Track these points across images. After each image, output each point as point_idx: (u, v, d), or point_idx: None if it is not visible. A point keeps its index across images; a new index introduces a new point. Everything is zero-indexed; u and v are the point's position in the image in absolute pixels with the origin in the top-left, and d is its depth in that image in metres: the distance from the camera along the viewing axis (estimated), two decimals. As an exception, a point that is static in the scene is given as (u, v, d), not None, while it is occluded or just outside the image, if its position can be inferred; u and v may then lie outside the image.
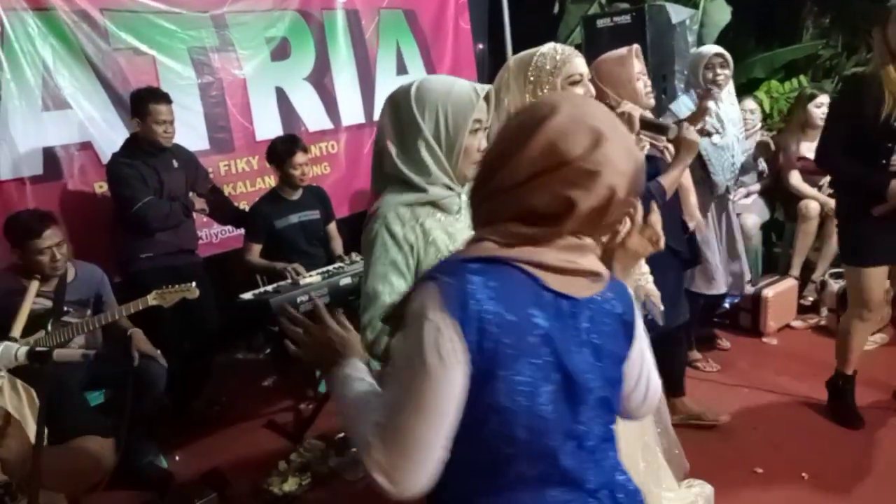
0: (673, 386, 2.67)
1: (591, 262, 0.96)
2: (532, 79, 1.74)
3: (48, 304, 2.60)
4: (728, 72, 3.04)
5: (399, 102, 1.40)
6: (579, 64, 1.76)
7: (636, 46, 2.21)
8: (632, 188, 0.92)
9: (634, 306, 1.04)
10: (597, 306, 0.96)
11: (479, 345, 0.86)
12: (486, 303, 0.86)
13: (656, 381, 1.11)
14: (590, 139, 0.88)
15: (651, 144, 2.16)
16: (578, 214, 0.89)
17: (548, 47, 1.77)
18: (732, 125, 3.06)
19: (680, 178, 2.11)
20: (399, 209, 1.37)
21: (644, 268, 1.88)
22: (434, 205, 1.40)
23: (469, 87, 1.39)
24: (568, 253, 0.92)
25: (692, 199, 2.45)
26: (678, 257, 2.42)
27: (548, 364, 0.90)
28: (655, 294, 1.88)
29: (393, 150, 1.39)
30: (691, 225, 2.42)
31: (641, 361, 1.07)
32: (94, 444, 1.83)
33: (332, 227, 3.56)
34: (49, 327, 2.53)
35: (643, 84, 2.20)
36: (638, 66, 2.19)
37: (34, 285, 2.50)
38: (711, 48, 3.09)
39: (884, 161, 2.38)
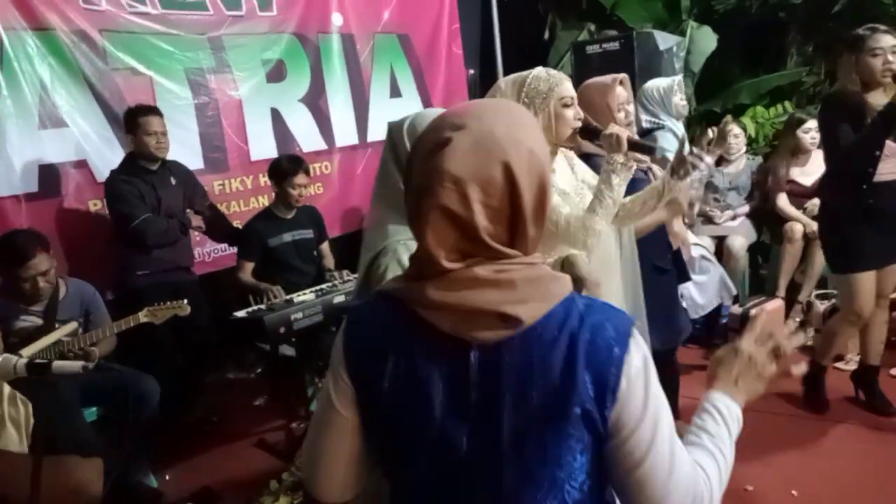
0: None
1: (492, 299, 0.80)
2: (526, 101, 1.79)
3: (39, 321, 2.60)
4: (685, 96, 3.25)
5: (393, 134, 1.44)
6: (569, 87, 1.82)
7: (622, 76, 2.25)
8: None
9: (628, 361, 0.81)
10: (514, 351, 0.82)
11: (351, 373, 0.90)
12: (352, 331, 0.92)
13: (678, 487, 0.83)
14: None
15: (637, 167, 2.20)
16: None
17: (539, 71, 1.82)
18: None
19: (652, 225, 2.20)
20: (408, 243, 1.36)
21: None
22: None
23: None
24: (451, 288, 0.81)
25: (675, 225, 2.49)
26: (667, 275, 2.47)
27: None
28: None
29: (399, 179, 1.38)
30: (675, 243, 2.46)
31: (636, 445, 0.82)
32: (84, 470, 1.82)
33: (325, 246, 3.59)
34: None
35: (624, 115, 2.25)
36: (623, 95, 2.24)
37: (69, 326, 2.51)
38: (674, 77, 3.26)
39: (870, 169, 2.51)
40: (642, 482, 0.82)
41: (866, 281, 2.63)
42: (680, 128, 3.24)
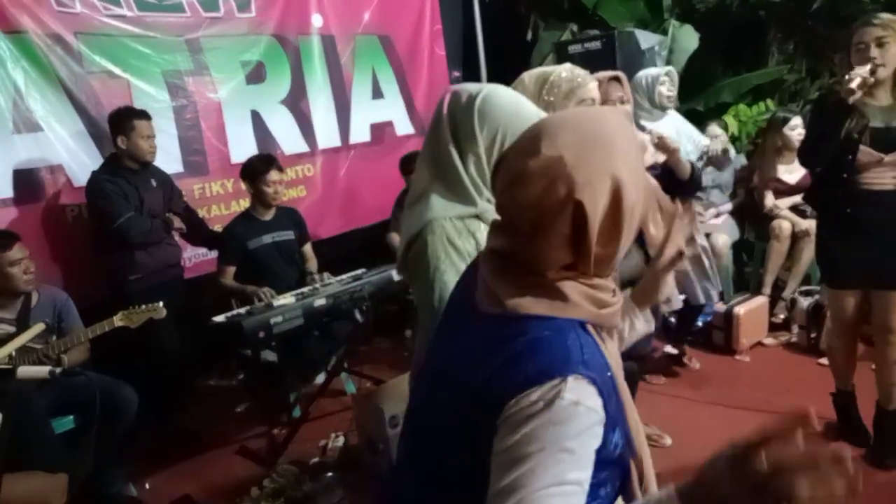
0: None
1: (500, 281, 0.85)
2: (546, 98, 1.77)
3: (11, 329, 2.55)
4: (675, 89, 3.21)
5: (460, 107, 1.35)
6: (592, 88, 1.81)
7: (619, 73, 2.26)
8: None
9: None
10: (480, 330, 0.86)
11: None
12: None
13: None
14: None
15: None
16: None
17: (565, 69, 1.81)
18: (683, 146, 3.18)
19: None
20: (453, 220, 1.33)
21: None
22: (479, 218, 1.36)
23: (535, 112, 1.35)
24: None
25: (652, 230, 2.46)
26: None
27: None
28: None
29: (454, 152, 1.34)
30: (652, 253, 2.44)
31: (497, 470, 0.77)
32: (44, 483, 1.78)
33: (308, 247, 3.56)
34: (13, 353, 2.47)
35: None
36: (617, 92, 2.24)
37: (37, 327, 2.47)
38: (662, 68, 3.24)
39: (845, 175, 2.35)
40: None
41: (843, 299, 2.45)
42: (664, 120, 3.22)
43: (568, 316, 0.81)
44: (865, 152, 2.30)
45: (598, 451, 0.78)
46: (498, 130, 1.31)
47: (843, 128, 2.29)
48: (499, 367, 0.79)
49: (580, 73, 1.81)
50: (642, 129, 3.12)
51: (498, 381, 0.78)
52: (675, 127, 3.22)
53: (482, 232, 1.33)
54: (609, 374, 0.82)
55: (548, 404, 0.75)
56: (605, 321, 0.85)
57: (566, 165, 0.77)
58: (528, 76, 1.82)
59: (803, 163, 2.58)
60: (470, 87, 1.38)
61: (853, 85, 2.17)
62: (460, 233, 1.32)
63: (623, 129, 0.83)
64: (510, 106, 1.33)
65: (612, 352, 0.87)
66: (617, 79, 2.25)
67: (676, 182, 2.42)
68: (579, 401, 0.75)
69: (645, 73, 3.22)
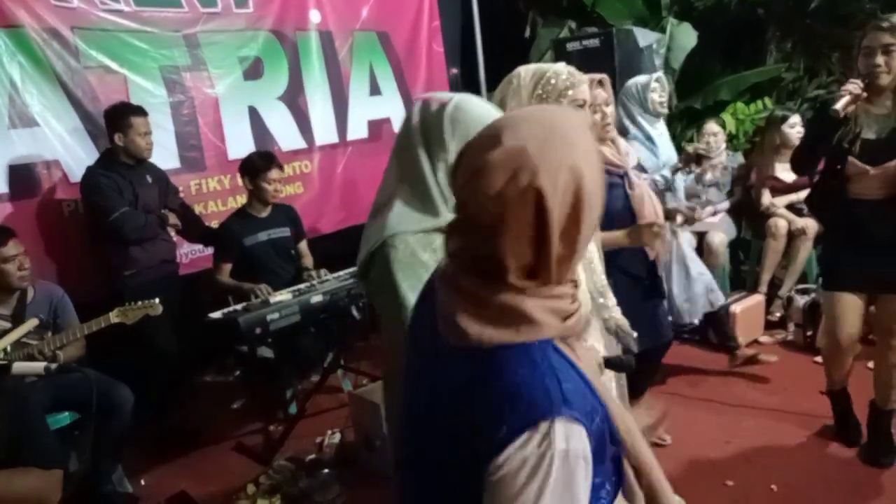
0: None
1: (460, 308, 0.82)
2: (541, 94, 1.77)
3: (6, 325, 2.54)
4: (667, 95, 3.23)
5: (430, 115, 1.34)
6: (585, 90, 1.81)
7: (602, 76, 2.24)
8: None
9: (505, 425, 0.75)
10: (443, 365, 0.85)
11: None
12: None
13: None
14: None
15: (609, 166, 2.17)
16: None
17: (561, 67, 1.81)
18: (670, 156, 3.23)
19: (615, 246, 2.18)
20: (417, 235, 1.31)
21: (611, 300, 1.90)
22: (443, 232, 1.36)
23: None
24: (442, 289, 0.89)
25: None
26: (640, 284, 2.46)
27: None
28: (625, 322, 1.90)
29: (423, 158, 1.32)
30: (651, 254, 2.44)
31: None
32: (39, 479, 1.78)
33: (303, 245, 3.55)
34: (7, 348, 2.47)
35: (601, 116, 2.23)
36: (601, 96, 2.22)
37: (31, 323, 2.45)
38: (651, 75, 3.25)
39: (836, 183, 2.35)
40: None
41: (840, 302, 2.41)
42: (658, 128, 3.24)
43: (536, 338, 0.79)
44: (853, 164, 2.29)
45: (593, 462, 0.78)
46: (469, 138, 1.30)
47: (831, 138, 2.29)
48: (480, 415, 0.76)
49: (576, 73, 1.82)
50: (625, 134, 3.12)
51: (482, 432, 0.75)
52: (667, 138, 3.26)
53: None
54: (587, 387, 0.81)
55: (539, 461, 0.73)
56: (571, 332, 0.83)
57: (529, 155, 0.77)
58: (525, 70, 1.82)
59: (794, 169, 2.59)
60: (440, 95, 1.38)
61: (838, 106, 2.16)
62: (424, 246, 1.30)
63: (583, 127, 0.84)
64: (481, 113, 1.32)
65: (583, 356, 0.85)
66: (601, 82, 2.25)
67: None
68: (569, 449, 0.74)
69: (634, 82, 3.23)
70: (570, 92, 1.78)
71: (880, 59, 2.18)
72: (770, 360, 3.38)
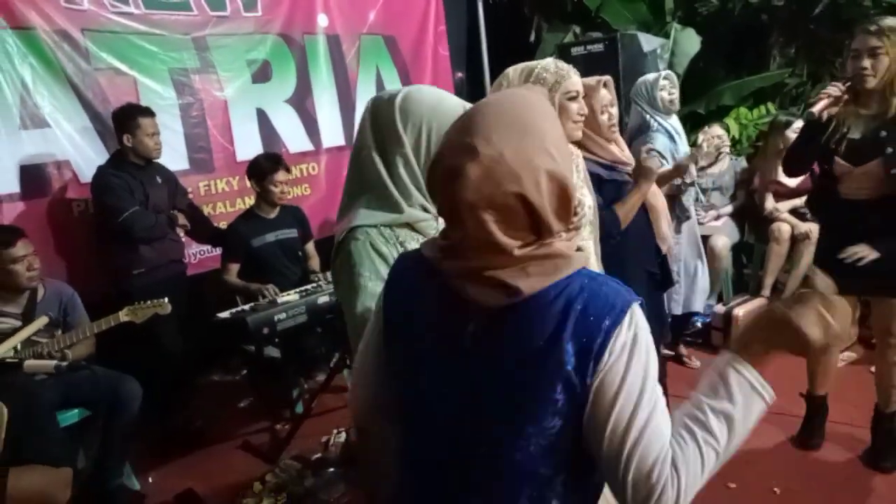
0: None
1: (499, 271, 0.86)
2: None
3: (17, 323, 2.57)
4: (677, 91, 3.24)
5: (381, 110, 1.30)
6: (576, 81, 1.83)
7: (606, 78, 2.26)
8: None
9: (618, 333, 0.84)
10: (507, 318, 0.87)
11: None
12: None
13: (650, 470, 0.83)
14: None
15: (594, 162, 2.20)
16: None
17: (548, 62, 1.82)
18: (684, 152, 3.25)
19: (637, 205, 2.17)
20: (380, 228, 1.27)
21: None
22: (410, 227, 1.29)
23: (458, 103, 1.30)
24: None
25: (664, 222, 2.49)
26: (653, 279, 2.48)
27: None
28: None
29: (378, 160, 1.28)
30: (664, 248, 2.47)
31: (609, 418, 0.83)
32: (48, 477, 1.80)
33: (310, 246, 3.58)
34: (18, 346, 2.50)
35: (608, 117, 2.26)
36: (607, 97, 2.24)
37: (41, 320, 2.49)
38: (658, 73, 3.27)
39: (827, 184, 2.38)
40: (609, 457, 0.84)
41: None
42: (672, 124, 3.26)
43: (575, 269, 0.87)
44: (839, 164, 2.31)
45: None
46: (422, 125, 1.26)
47: (817, 140, 2.32)
48: (577, 333, 0.83)
49: (564, 66, 1.83)
50: (647, 129, 3.14)
51: (583, 345, 0.83)
52: (681, 135, 3.27)
53: (414, 242, 1.27)
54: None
55: (634, 341, 0.84)
56: (586, 262, 0.93)
57: (508, 163, 0.82)
58: (513, 70, 1.83)
59: (785, 170, 2.61)
60: (389, 91, 1.35)
61: (816, 108, 2.18)
62: (387, 240, 1.27)
63: (546, 109, 0.89)
64: (431, 99, 1.29)
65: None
66: (605, 83, 2.28)
67: None
68: (643, 326, 0.86)
69: (643, 80, 3.25)
70: (563, 84, 1.79)
71: (867, 62, 2.19)
72: (693, 366, 3.51)
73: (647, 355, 0.85)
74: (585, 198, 1.82)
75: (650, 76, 3.27)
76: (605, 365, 0.83)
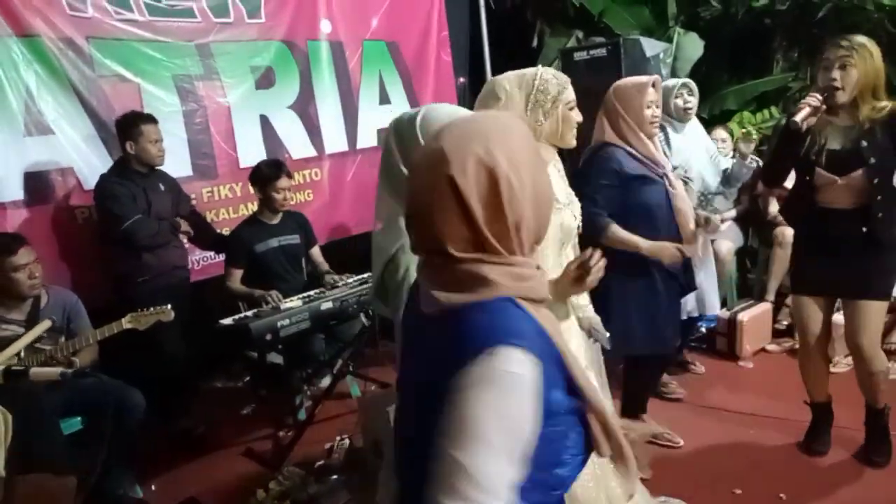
0: (632, 408, 2.71)
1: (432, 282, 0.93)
2: (534, 104, 1.80)
3: (20, 330, 2.57)
4: (695, 100, 3.24)
5: (403, 130, 1.45)
6: (571, 91, 1.87)
7: (655, 77, 2.41)
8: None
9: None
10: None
11: None
12: None
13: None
14: None
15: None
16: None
17: (544, 71, 1.83)
18: (697, 158, 3.24)
19: (629, 247, 2.29)
20: None
21: (584, 299, 1.93)
22: None
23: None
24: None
25: (690, 225, 2.49)
26: (676, 282, 2.49)
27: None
28: (597, 320, 1.93)
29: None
30: (689, 252, 2.47)
31: (438, 448, 0.83)
32: (53, 486, 1.80)
33: (316, 250, 3.59)
34: (21, 353, 2.50)
35: (651, 113, 2.35)
36: (653, 94, 2.37)
37: (43, 324, 2.49)
38: (678, 80, 3.28)
39: (805, 194, 2.41)
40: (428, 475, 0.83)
41: (804, 305, 2.51)
42: (681, 130, 3.28)
43: (495, 296, 0.88)
44: (821, 175, 2.34)
45: (545, 406, 0.86)
46: None
47: (795, 151, 2.35)
48: (448, 357, 0.86)
49: (561, 75, 1.87)
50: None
51: (447, 368, 0.85)
52: (696, 140, 3.28)
53: None
54: (544, 338, 0.89)
55: (484, 380, 0.82)
56: (531, 293, 0.91)
57: (445, 152, 0.88)
58: (508, 82, 1.83)
59: (764, 182, 2.64)
60: (407, 112, 1.49)
61: (798, 118, 2.20)
62: None
63: (505, 126, 0.93)
64: (448, 116, 1.39)
65: (547, 317, 0.93)
66: (654, 84, 2.37)
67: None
68: (512, 371, 0.82)
69: (662, 85, 3.25)
70: (563, 94, 1.83)
71: (836, 73, 2.22)
72: (699, 372, 3.50)
73: (501, 401, 0.81)
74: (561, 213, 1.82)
75: (669, 82, 3.32)
76: (451, 396, 0.83)
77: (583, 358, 1.81)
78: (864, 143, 2.25)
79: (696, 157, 3.31)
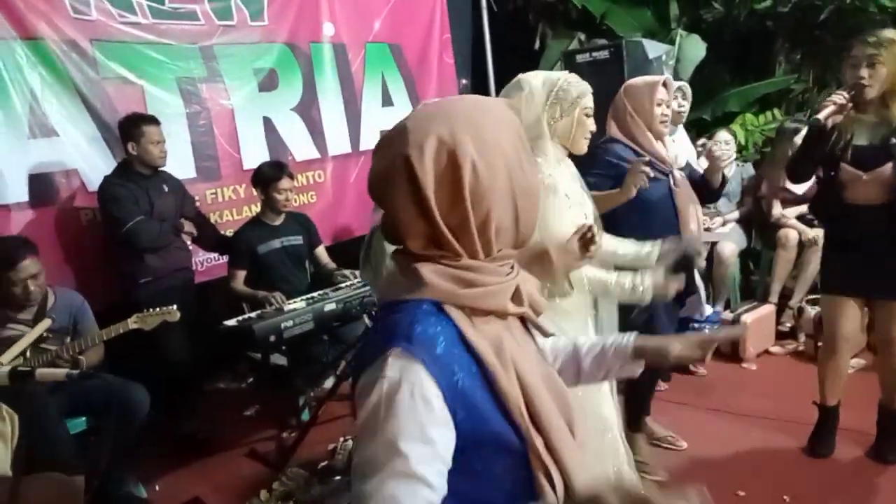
0: (633, 419, 2.67)
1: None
2: (554, 100, 1.84)
3: (28, 330, 2.57)
4: (688, 104, 3.25)
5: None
6: (590, 100, 1.91)
7: (667, 77, 2.44)
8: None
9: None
10: None
11: None
12: None
13: None
14: None
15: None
16: None
17: (571, 77, 1.90)
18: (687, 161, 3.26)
19: (611, 204, 2.22)
20: None
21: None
22: None
23: None
24: None
25: (692, 227, 2.49)
26: (677, 303, 2.49)
27: None
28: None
29: None
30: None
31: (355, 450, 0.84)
32: (62, 486, 1.80)
33: (321, 250, 3.59)
34: (27, 354, 2.51)
35: (661, 111, 2.38)
36: (664, 94, 2.39)
37: (44, 323, 2.49)
38: (674, 83, 3.26)
39: (833, 191, 2.40)
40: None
41: (836, 305, 2.48)
42: (672, 131, 3.28)
43: (421, 297, 0.81)
44: (846, 170, 2.34)
45: (457, 430, 0.77)
46: None
47: (822, 147, 2.34)
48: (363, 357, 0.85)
49: (584, 83, 1.91)
50: None
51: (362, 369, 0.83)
52: (683, 145, 3.28)
53: None
54: (459, 351, 0.80)
55: (372, 384, 0.77)
56: (476, 302, 0.82)
57: (407, 131, 0.81)
58: (535, 78, 1.87)
59: (789, 177, 2.64)
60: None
61: (821, 115, 2.21)
62: None
63: (484, 108, 0.84)
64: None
65: (488, 332, 0.83)
66: (665, 83, 2.38)
67: (705, 188, 2.62)
68: (400, 379, 0.76)
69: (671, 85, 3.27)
70: (582, 100, 1.87)
71: (865, 72, 2.22)
72: (700, 373, 3.49)
73: (388, 404, 0.75)
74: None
75: None
76: (357, 394, 0.81)
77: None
78: (894, 140, 2.25)
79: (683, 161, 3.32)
